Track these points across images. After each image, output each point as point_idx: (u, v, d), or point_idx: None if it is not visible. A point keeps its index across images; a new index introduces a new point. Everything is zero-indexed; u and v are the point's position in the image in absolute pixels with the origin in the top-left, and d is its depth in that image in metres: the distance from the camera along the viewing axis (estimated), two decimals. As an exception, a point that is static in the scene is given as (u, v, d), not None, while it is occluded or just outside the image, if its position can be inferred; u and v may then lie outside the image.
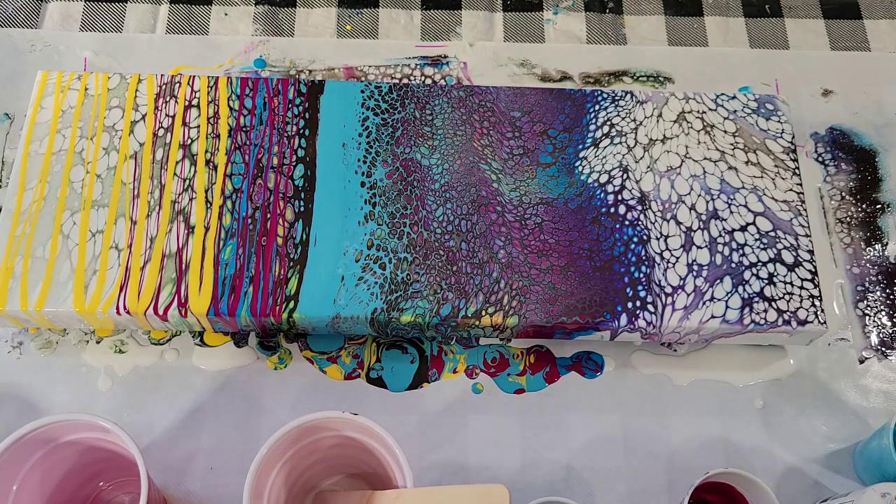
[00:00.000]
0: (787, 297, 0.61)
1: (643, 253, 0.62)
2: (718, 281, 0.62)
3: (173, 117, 0.65)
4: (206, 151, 0.64)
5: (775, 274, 0.62)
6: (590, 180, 0.65)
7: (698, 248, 0.63)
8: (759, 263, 0.62)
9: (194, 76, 0.66)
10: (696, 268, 0.62)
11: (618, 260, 0.62)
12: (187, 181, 0.63)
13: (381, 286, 0.60)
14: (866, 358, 0.66)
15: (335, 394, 0.63)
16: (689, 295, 0.61)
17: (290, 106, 0.66)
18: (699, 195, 0.65)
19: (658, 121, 0.68)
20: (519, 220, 0.63)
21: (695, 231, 0.63)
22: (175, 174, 0.63)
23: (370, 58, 0.76)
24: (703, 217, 0.64)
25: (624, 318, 0.60)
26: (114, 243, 0.60)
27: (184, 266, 0.60)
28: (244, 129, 0.65)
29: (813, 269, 0.63)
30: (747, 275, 0.62)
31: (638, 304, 0.61)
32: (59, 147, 0.63)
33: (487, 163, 0.65)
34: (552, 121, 0.67)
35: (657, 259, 0.62)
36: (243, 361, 0.63)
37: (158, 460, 0.59)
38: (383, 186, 0.64)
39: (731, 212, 0.64)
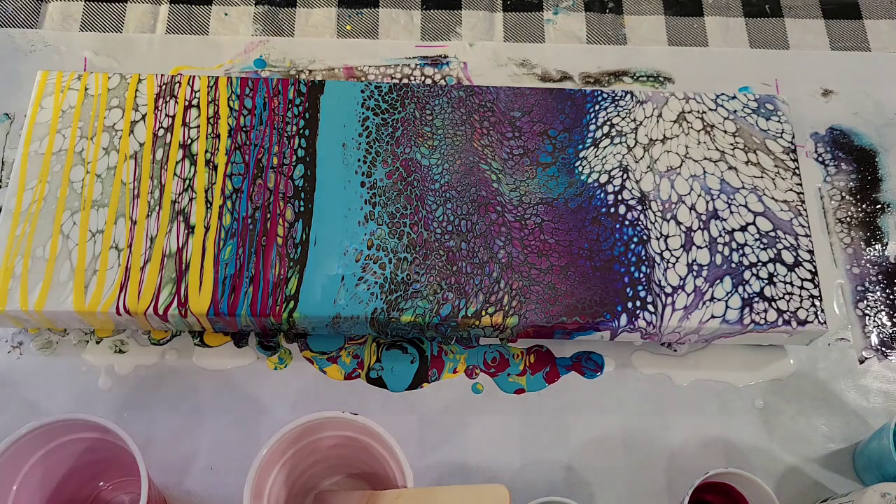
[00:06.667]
0: (787, 297, 0.61)
1: (643, 253, 0.62)
2: (718, 281, 0.62)
3: (173, 117, 0.65)
4: (206, 151, 0.64)
5: (775, 274, 0.62)
6: (590, 180, 0.65)
7: (698, 248, 0.63)
8: (759, 263, 0.62)
9: (194, 76, 0.66)
10: (696, 268, 0.62)
11: (618, 260, 0.62)
12: (187, 181, 0.63)
13: (381, 286, 0.60)
14: (866, 358, 0.66)
15: (335, 394, 0.63)
16: (689, 295, 0.61)
17: (290, 106, 0.66)
18: (699, 195, 0.65)
19: (658, 121, 0.68)
20: (519, 220, 0.63)
21: (695, 231, 0.63)
22: (175, 174, 0.63)
23: (370, 58, 0.76)
24: (703, 217, 0.64)
25: (624, 318, 0.60)
26: (114, 243, 0.60)
27: (184, 266, 0.60)
28: (244, 129, 0.65)
29: (813, 269, 0.63)
30: (747, 275, 0.62)
31: (638, 304, 0.61)
32: (59, 147, 0.63)
33: (487, 163, 0.65)
34: (552, 121, 0.67)
35: (657, 259, 0.62)
36: (243, 361, 0.63)
37: (158, 460, 0.59)
38: (383, 186, 0.64)
39: (731, 212, 0.64)
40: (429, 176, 0.64)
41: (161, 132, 0.64)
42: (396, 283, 0.60)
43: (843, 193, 0.73)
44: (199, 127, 0.65)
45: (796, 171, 0.66)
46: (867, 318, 0.68)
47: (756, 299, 0.61)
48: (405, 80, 0.75)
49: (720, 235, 0.63)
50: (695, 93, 0.69)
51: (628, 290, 0.61)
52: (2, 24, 0.76)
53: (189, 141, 0.64)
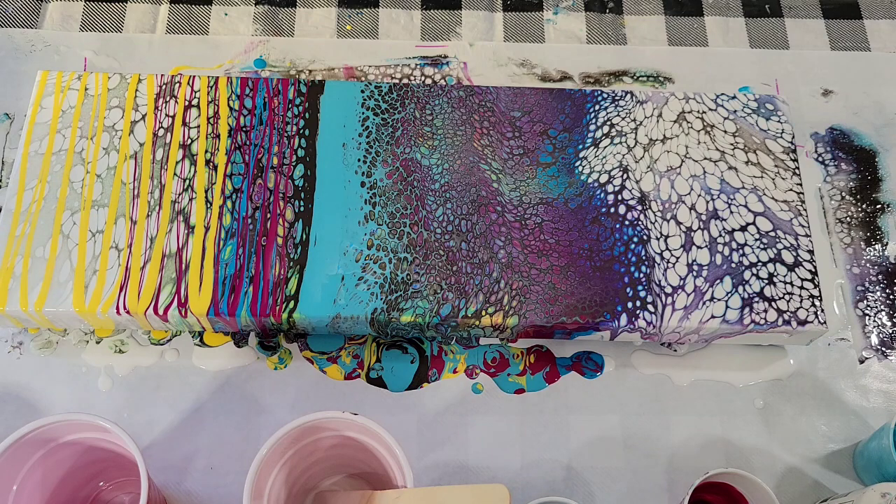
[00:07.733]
0: (787, 297, 0.61)
1: (643, 253, 0.62)
2: (718, 281, 0.62)
3: (173, 117, 0.65)
4: (206, 151, 0.64)
5: (775, 274, 0.62)
6: (590, 180, 0.65)
7: (698, 248, 0.63)
8: (759, 263, 0.62)
9: (194, 76, 0.66)
10: (696, 268, 0.62)
11: (618, 260, 0.62)
12: (187, 181, 0.63)
13: (381, 286, 0.60)
14: (866, 358, 0.66)
15: (335, 394, 0.63)
16: (689, 295, 0.61)
17: (290, 106, 0.66)
18: (699, 195, 0.65)
19: (658, 121, 0.68)
20: (519, 220, 0.63)
21: (695, 231, 0.63)
22: (175, 174, 0.63)
23: (370, 58, 0.76)
24: (703, 217, 0.64)
25: (624, 318, 0.60)
26: (114, 243, 0.60)
27: (184, 266, 0.60)
28: (244, 129, 0.65)
29: (813, 269, 0.63)
30: (747, 275, 0.62)
31: (638, 304, 0.61)
32: (59, 147, 0.63)
33: (487, 163, 0.65)
34: (552, 121, 0.67)
35: (657, 259, 0.62)
36: (243, 361, 0.63)
37: (158, 460, 0.59)
38: (383, 186, 0.64)
39: (731, 212, 0.64)
40: (429, 176, 0.64)
41: (161, 132, 0.64)
42: (396, 283, 0.60)
43: (843, 193, 0.73)
44: (199, 127, 0.65)
45: (796, 171, 0.66)
46: (867, 318, 0.68)
47: (756, 299, 0.61)
48: (405, 80, 0.75)
49: (720, 235, 0.63)
50: (695, 93, 0.69)
51: (628, 290, 0.61)
52: (2, 24, 0.76)
53: (189, 141, 0.64)
